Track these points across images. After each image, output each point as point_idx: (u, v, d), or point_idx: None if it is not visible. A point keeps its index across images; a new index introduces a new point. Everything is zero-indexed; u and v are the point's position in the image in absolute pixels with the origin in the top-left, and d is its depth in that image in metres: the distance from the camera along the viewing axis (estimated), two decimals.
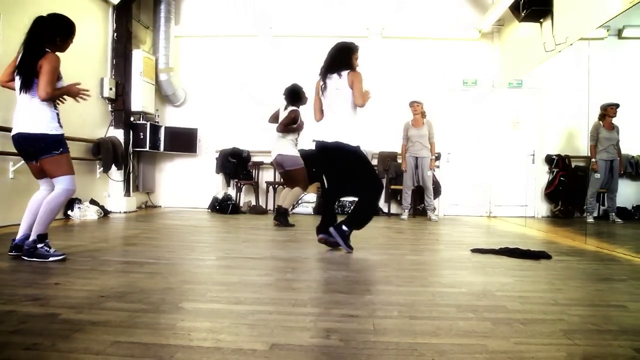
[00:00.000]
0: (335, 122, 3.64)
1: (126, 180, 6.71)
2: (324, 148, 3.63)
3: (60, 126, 3.06)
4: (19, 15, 4.51)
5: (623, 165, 5.82)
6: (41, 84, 2.90)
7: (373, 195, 3.66)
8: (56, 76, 2.97)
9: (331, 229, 3.55)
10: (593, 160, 5.57)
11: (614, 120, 5.57)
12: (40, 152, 2.98)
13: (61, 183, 3.05)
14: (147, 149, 6.94)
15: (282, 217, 5.35)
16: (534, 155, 7.06)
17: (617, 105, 5.50)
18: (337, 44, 3.77)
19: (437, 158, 7.12)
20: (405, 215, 6.66)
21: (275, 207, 5.67)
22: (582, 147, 6.25)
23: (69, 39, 3.13)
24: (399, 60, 7.47)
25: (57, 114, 3.06)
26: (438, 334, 1.79)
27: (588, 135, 5.61)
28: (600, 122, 5.57)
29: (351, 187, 3.78)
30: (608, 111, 5.52)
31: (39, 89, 2.92)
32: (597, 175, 5.58)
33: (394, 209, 7.32)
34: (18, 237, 3.06)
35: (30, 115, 2.96)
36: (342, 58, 3.66)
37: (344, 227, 3.53)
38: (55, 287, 2.38)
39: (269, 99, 7.32)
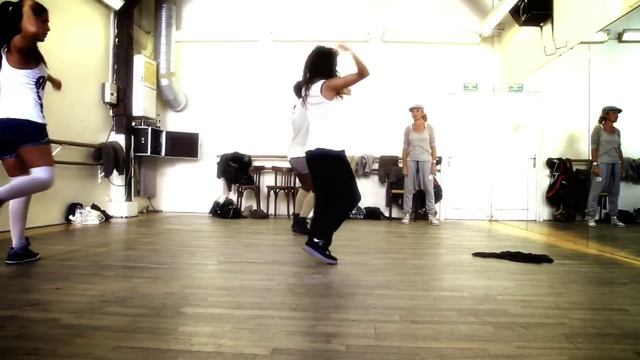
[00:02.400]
0: (313, 131, 3.51)
1: (127, 185, 6.71)
2: (308, 158, 3.51)
3: (44, 117, 3.00)
4: None
5: (624, 169, 5.81)
6: (24, 26, 2.77)
7: (341, 205, 3.44)
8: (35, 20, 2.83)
9: (305, 247, 3.39)
10: (594, 163, 5.56)
11: (615, 124, 5.57)
12: (23, 139, 2.89)
13: (42, 173, 2.94)
14: (149, 153, 6.96)
15: (299, 226, 5.15)
16: (535, 158, 7.06)
17: (619, 111, 5.51)
18: (315, 48, 3.55)
19: (438, 162, 7.13)
20: (406, 220, 6.66)
21: (292, 215, 5.46)
22: (583, 151, 6.25)
23: (38, 16, 2.88)
24: (399, 65, 7.48)
25: (41, 105, 2.99)
26: (439, 338, 1.79)
27: (589, 138, 5.61)
28: (601, 126, 5.57)
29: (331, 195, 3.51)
30: (610, 115, 5.53)
31: (25, 27, 2.77)
32: (599, 179, 5.57)
33: (395, 213, 7.31)
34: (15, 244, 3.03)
35: (14, 101, 2.90)
36: (318, 66, 3.44)
37: (315, 240, 3.35)
38: (56, 292, 2.38)
39: (269, 103, 7.40)
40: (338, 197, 3.43)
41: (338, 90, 3.43)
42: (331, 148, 3.38)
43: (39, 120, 2.96)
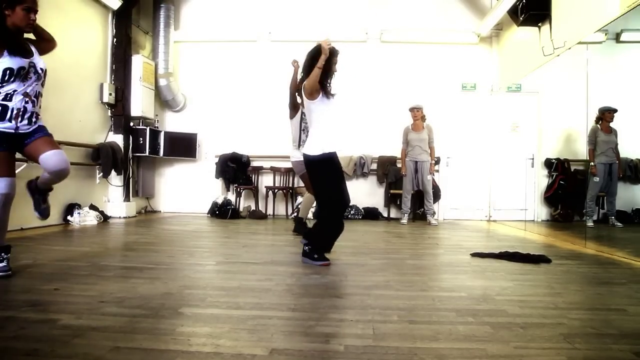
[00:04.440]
0: (309, 134, 3.45)
1: (126, 186, 6.71)
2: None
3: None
4: None
5: (622, 169, 5.83)
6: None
7: (324, 213, 3.33)
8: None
9: (302, 258, 3.34)
10: (592, 163, 5.58)
11: (612, 124, 5.58)
12: None
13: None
14: (147, 154, 6.95)
15: (298, 226, 5.08)
16: (533, 159, 7.07)
17: (615, 111, 5.52)
18: (314, 47, 3.35)
19: (437, 162, 7.13)
20: (405, 220, 6.66)
21: (293, 216, 5.41)
22: (581, 151, 6.27)
23: (15, 6, 2.66)
24: (398, 65, 7.49)
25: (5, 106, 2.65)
26: (438, 339, 1.79)
27: (587, 138, 5.62)
28: (598, 126, 5.58)
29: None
30: (605, 116, 5.54)
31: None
32: (596, 179, 5.58)
33: (393, 213, 7.31)
34: None
35: None
36: (308, 67, 3.31)
37: (306, 248, 3.31)
38: (54, 293, 2.38)
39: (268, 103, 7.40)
40: (323, 204, 3.34)
41: (316, 88, 3.23)
42: (311, 154, 3.27)
43: None
